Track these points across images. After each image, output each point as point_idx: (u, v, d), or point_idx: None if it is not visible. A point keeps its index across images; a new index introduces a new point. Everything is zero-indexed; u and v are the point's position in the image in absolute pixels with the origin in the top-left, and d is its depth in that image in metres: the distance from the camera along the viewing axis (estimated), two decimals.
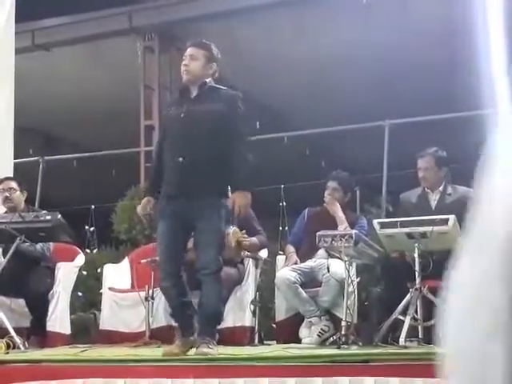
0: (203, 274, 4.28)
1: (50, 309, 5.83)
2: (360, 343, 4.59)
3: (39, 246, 5.86)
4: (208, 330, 4.34)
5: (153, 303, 5.85)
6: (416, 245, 4.64)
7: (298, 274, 5.54)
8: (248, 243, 5.57)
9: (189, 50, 4.50)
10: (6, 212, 5.88)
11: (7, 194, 5.92)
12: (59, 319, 5.90)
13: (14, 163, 6.92)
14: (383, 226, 4.82)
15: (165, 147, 4.53)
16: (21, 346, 5.15)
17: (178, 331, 4.54)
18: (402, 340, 4.37)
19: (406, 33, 8.09)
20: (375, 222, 4.92)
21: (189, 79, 4.46)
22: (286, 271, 5.58)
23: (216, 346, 4.28)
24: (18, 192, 5.99)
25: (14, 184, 6.00)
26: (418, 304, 4.66)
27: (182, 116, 4.41)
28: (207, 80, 4.48)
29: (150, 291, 5.81)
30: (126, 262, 6.62)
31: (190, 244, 4.56)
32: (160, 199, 4.50)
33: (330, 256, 5.18)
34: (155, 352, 4.62)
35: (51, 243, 5.96)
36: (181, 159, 4.30)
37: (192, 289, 5.25)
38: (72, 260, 6.18)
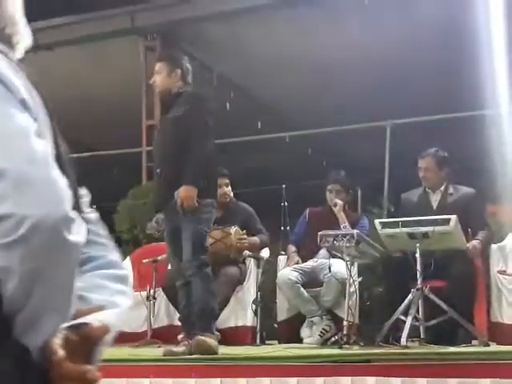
0: (188, 275, 4.39)
1: None
2: (361, 343, 4.60)
3: None
4: (204, 326, 4.38)
5: (154, 303, 5.86)
6: (417, 245, 4.64)
7: (300, 273, 5.54)
8: (247, 244, 5.60)
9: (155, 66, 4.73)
10: None
11: None
12: None
13: None
14: (384, 225, 4.83)
15: None
16: None
17: (184, 333, 4.56)
18: (403, 340, 4.36)
19: (407, 33, 8.08)
20: (377, 221, 4.93)
21: (159, 92, 4.72)
22: (288, 271, 5.58)
23: (216, 339, 4.32)
24: None
25: None
26: (420, 304, 4.65)
27: (158, 128, 4.77)
28: (175, 87, 4.62)
29: (152, 291, 5.81)
30: (127, 262, 6.62)
31: None
32: None
33: (332, 256, 5.18)
34: (156, 352, 4.63)
35: None
36: (158, 170, 4.59)
37: None
38: None
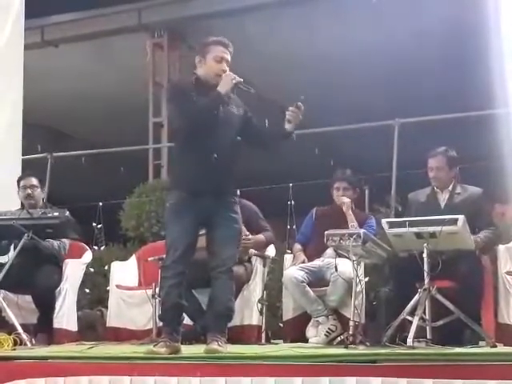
0: (219, 271, 4.27)
1: (57, 306, 5.82)
2: (367, 343, 4.57)
3: (56, 244, 5.82)
4: (219, 327, 4.33)
5: (160, 301, 5.83)
6: (425, 245, 4.61)
7: (306, 272, 5.52)
8: (250, 244, 5.57)
9: (223, 52, 4.48)
10: (18, 209, 5.88)
11: (29, 192, 5.93)
12: (66, 316, 5.89)
13: (23, 159, 6.92)
14: (392, 225, 4.79)
15: (189, 140, 4.37)
16: (27, 342, 5.14)
17: (165, 334, 4.35)
18: (409, 340, 4.33)
19: (416, 32, 8.06)
20: (384, 221, 4.89)
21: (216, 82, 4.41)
22: (294, 270, 5.56)
23: (226, 344, 4.27)
24: (39, 189, 5.99)
25: (35, 181, 6.00)
26: (427, 304, 4.62)
27: (215, 113, 4.33)
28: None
29: (157, 289, 5.79)
30: (133, 260, 6.61)
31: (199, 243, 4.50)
32: (177, 196, 4.40)
33: (338, 255, 5.16)
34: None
35: (67, 242, 5.92)
36: (215, 155, 4.31)
37: (198, 287, 5.26)
38: (79, 257, 6.17)
